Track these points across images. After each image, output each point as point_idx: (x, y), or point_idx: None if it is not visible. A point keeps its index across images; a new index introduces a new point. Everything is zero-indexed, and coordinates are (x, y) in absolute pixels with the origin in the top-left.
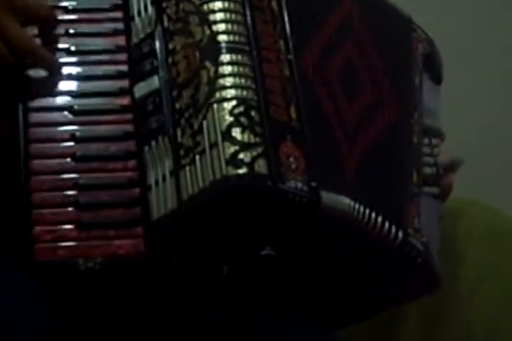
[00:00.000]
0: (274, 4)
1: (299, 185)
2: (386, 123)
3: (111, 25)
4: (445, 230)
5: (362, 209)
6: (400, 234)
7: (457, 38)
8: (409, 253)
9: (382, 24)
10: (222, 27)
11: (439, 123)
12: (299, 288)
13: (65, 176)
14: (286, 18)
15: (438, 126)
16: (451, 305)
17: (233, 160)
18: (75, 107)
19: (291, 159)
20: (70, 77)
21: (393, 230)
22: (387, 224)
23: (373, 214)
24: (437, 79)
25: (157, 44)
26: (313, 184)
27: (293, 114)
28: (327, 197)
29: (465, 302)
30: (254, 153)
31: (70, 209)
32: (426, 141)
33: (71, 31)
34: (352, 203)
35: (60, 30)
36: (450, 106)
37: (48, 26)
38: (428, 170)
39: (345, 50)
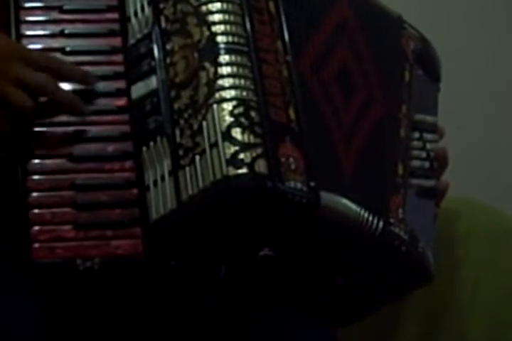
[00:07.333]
0: (271, 6)
1: (299, 185)
2: (376, 119)
3: (106, 26)
4: (444, 231)
5: (361, 210)
6: (380, 225)
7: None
8: (392, 242)
9: (373, 24)
10: (220, 28)
11: (435, 120)
12: (292, 287)
13: (63, 176)
14: (283, 20)
15: (434, 122)
16: (450, 306)
17: (233, 160)
18: None
19: (291, 160)
20: None
21: (374, 221)
22: (370, 217)
23: (363, 211)
24: (433, 75)
25: (154, 45)
26: (312, 184)
27: (292, 115)
28: (326, 197)
29: (465, 303)
30: (254, 154)
31: (68, 209)
32: (417, 135)
33: (66, 31)
34: (351, 204)
35: (56, 29)
36: (450, 106)
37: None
38: (418, 163)
39: (340, 52)
